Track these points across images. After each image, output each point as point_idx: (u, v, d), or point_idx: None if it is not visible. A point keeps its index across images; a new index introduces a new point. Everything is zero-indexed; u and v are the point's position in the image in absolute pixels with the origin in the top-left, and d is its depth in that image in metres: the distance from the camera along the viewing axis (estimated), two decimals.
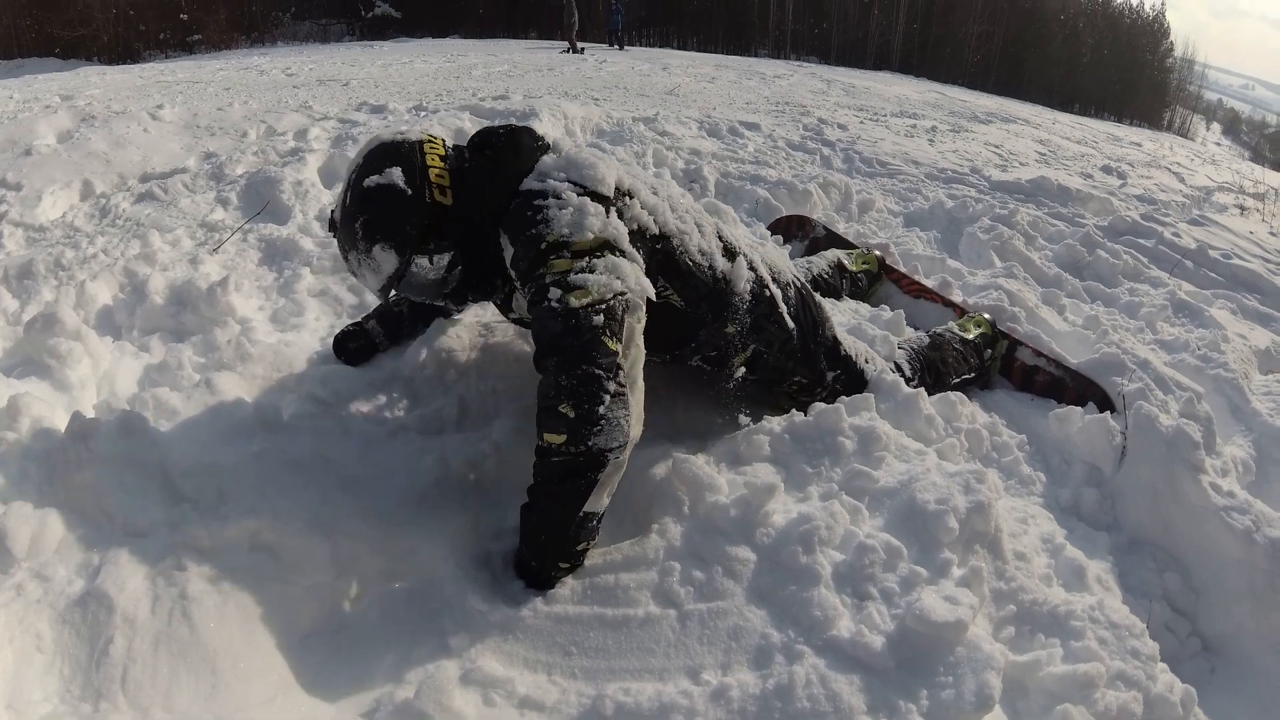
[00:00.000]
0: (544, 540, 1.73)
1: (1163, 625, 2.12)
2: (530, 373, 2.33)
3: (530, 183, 1.83)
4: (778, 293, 2.27)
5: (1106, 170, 9.10)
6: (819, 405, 2.19)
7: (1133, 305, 3.86)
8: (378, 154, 1.85)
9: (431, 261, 1.87)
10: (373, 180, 1.79)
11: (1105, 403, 2.74)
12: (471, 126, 5.01)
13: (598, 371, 1.64)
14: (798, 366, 2.33)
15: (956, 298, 3.30)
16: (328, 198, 3.89)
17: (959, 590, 1.66)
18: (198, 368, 2.47)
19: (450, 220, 1.84)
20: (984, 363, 2.86)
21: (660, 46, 36.24)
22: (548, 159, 1.88)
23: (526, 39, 31.33)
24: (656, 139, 5.59)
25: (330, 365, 2.44)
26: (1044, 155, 9.40)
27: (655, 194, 2.03)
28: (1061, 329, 3.25)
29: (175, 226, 3.55)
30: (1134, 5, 62.61)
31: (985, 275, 3.78)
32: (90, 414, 2.20)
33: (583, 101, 6.49)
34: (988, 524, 1.85)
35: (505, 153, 1.91)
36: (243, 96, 7.52)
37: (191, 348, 2.59)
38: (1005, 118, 13.34)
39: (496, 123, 4.97)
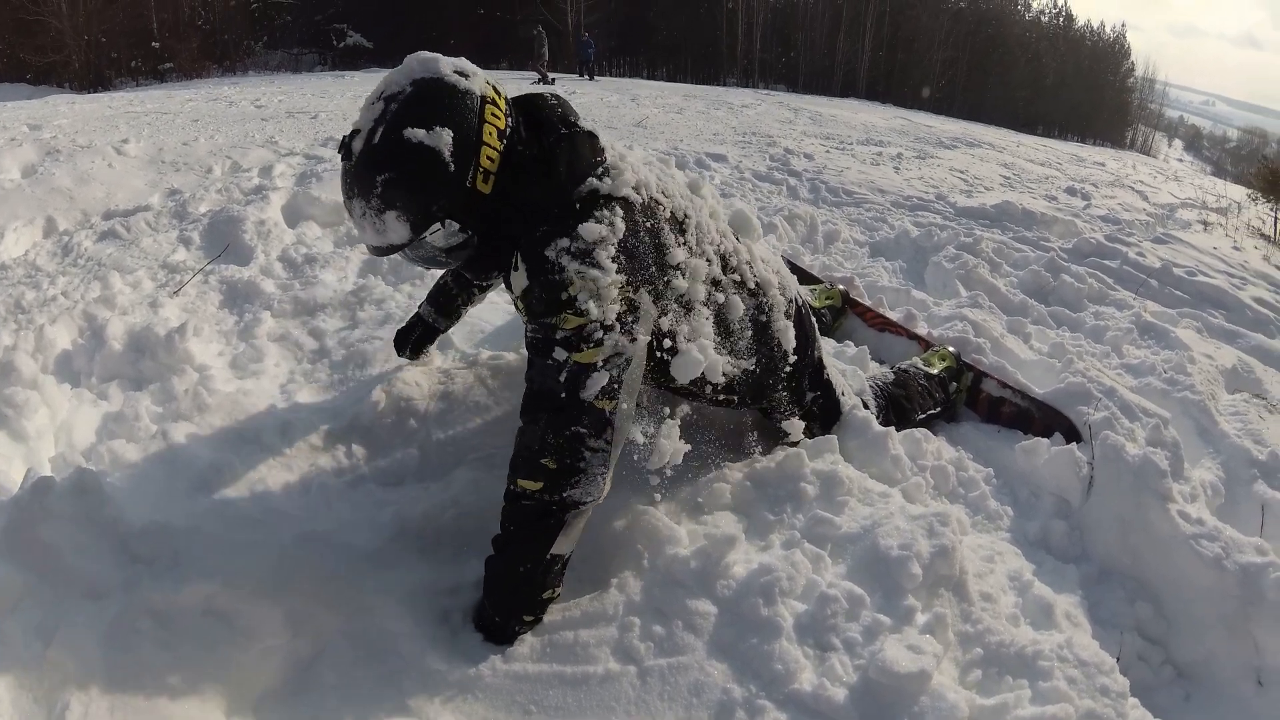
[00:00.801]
0: (510, 587, 1.69)
1: (1135, 655, 2.12)
2: (491, 423, 2.34)
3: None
4: (781, 316, 2.20)
5: (1071, 192, 9.22)
6: (780, 452, 2.18)
7: (1098, 329, 3.90)
8: (433, 97, 1.57)
9: (443, 230, 1.64)
10: (416, 135, 1.52)
11: (1072, 433, 2.76)
12: None
13: (583, 431, 1.62)
14: (781, 383, 2.26)
15: (922, 330, 3.32)
16: (290, 237, 3.86)
17: (923, 638, 1.65)
18: (155, 418, 2.42)
19: (480, 207, 1.64)
20: (949, 396, 2.87)
21: (631, 76, 36.40)
22: (599, 226, 1.65)
23: (498, 69, 31.45)
24: None
25: (287, 415, 2.37)
26: (1009, 179, 9.52)
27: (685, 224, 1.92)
28: (1027, 358, 3.27)
29: (136, 267, 3.50)
30: (1095, 28, 64.29)
31: (950, 305, 3.80)
32: (47, 467, 2.17)
33: None
34: (952, 568, 1.84)
35: (559, 163, 1.69)
36: (210, 130, 7.46)
37: (149, 396, 2.54)
38: (970, 142, 13.50)
39: None
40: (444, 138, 1.53)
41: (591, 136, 1.77)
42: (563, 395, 1.61)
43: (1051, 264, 4.69)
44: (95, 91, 20.06)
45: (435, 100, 1.56)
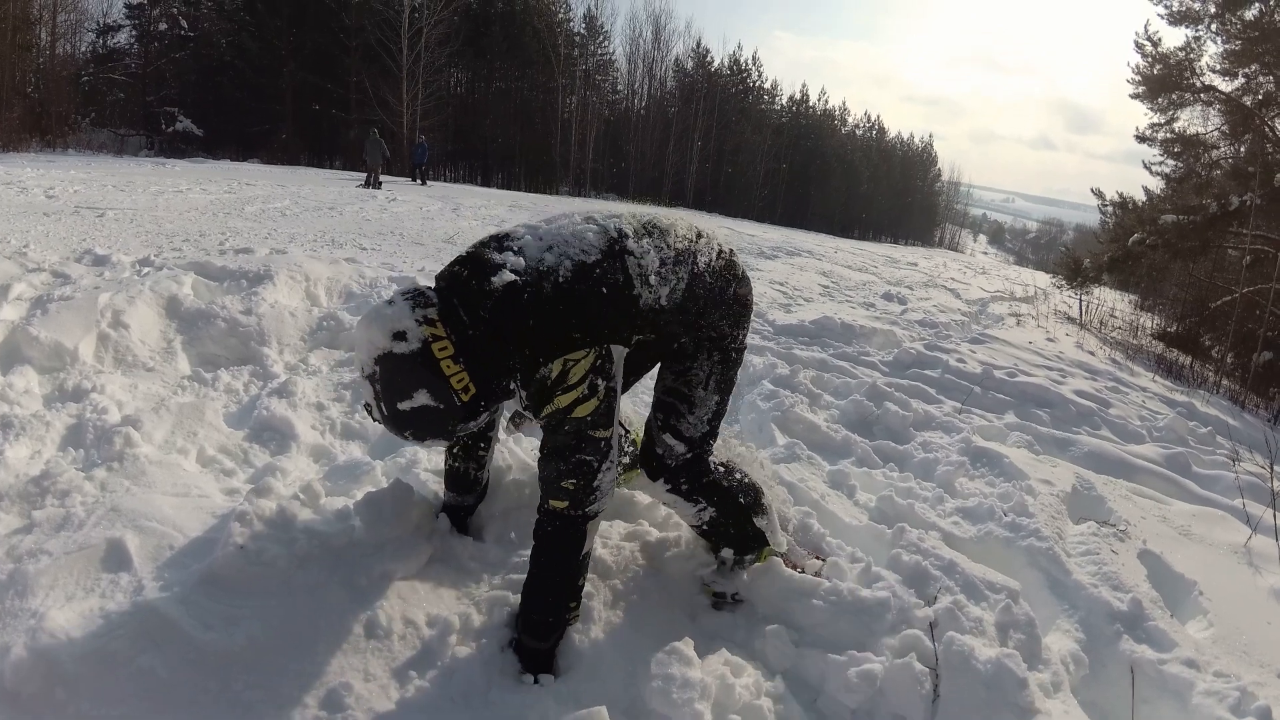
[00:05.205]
0: (556, 583, 2.11)
1: None
2: (157, 694, 1.87)
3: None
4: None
5: (888, 297, 9.36)
6: None
7: (927, 464, 3.63)
8: (397, 373, 1.88)
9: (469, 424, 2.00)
10: (406, 405, 1.88)
11: None
12: (192, 292, 4.31)
13: (589, 458, 2.04)
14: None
15: None
16: None
17: None
18: None
19: (475, 398, 1.93)
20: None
21: (465, 182, 36.47)
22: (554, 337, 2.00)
23: (330, 168, 30.76)
24: None
25: None
26: (827, 288, 9.60)
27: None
28: (853, 523, 2.90)
29: None
30: (905, 139, 71.28)
31: (767, 458, 3.32)
32: None
33: (333, 259, 5.72)
34: None
35: (505, 319, 1.95)
36: None
37: None
38: (791, 250, 13.81)
39: (242, 284, 4.29)
40: (421, 396, 1.88)
41: (511, 288, 1.99)
42: (572, 438, 2.03)
43: (874, 391, 4.39)
44: None
45: (399, 375, 1.88)
